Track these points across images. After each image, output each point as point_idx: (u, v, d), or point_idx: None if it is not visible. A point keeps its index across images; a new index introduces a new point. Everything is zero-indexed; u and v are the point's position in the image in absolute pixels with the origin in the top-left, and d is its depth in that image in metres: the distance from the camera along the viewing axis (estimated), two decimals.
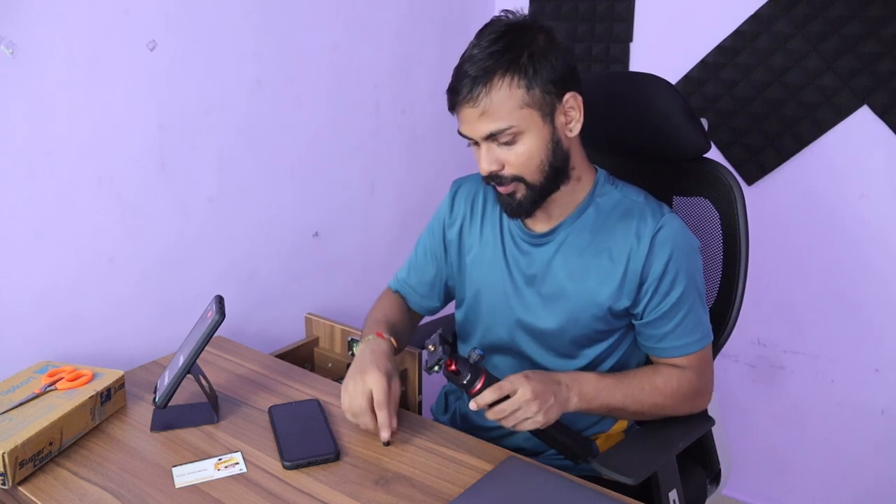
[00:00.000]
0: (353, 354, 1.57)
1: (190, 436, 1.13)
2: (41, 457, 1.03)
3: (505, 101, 1.03)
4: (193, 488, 0.99)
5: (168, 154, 1.40)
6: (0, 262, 1.20)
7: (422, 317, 1.41)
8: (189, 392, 1.23)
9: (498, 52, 1.03)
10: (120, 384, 1.20)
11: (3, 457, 0.96)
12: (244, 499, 0.97)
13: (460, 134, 1.10)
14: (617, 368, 1.18)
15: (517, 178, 1.08)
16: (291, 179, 1.65)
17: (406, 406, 1.40)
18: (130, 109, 1.33)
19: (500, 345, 1.23)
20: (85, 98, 1.26)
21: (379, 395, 1.07)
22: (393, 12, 1.81)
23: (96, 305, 1.34)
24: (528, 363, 1.20)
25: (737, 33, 1.75)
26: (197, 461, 1.06)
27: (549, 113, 1.06)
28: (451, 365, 1.02)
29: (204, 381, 1.18)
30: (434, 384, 1.41)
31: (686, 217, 1.30)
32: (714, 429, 1.28)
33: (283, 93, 1.59)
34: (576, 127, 1.10)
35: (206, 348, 1.16)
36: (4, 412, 1.07)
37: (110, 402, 1.17)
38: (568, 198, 1.15)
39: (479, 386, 1.02)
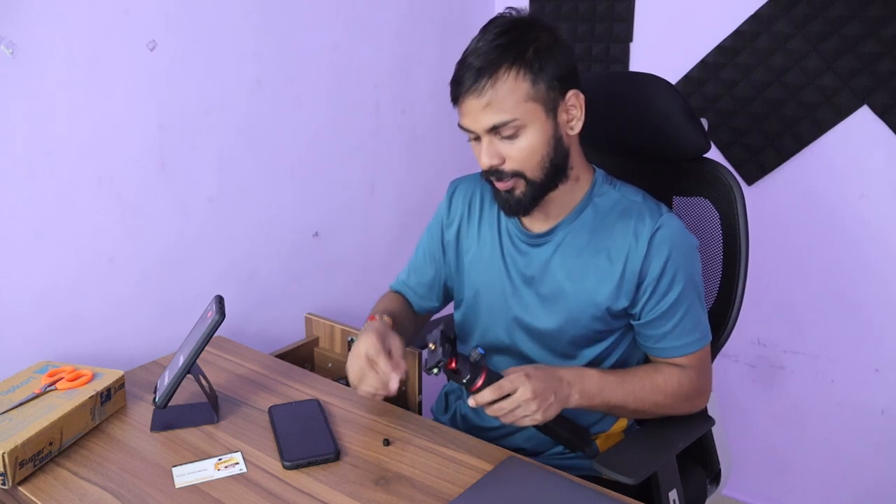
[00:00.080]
0: None
1: (190, 436, 1.13)
2: (41, 457, 1.03)
3: (510, 93, 1.03)
4: (193, 488, 0.99)
5: (168, 154, 1.40)
6: (0, 262, 1.20)
7: (428, 317, 1.41)
8: (189, 392, 1.23)
9: (504, 45, 1.03)
10: (120, 384, 1.20)
11: (3, 457, 0.96)
12: (244, 499, 0.97)
13: (461, 128, 1.09)
14: (616, 368, 1.18)
15: (517, 174, 1.08)
16: (291, 179, 1.65)
17: (406, 406, 1.40)
18: (130, 109, 1.33)
19: (499, 345, 1.23)
20: (85, 98, 1.26)
21: (371, 351, 1.09)
22: (393, 12, 1.81)
23: (96, 305, 1.34)
24: (526, 363, 1.19)
25: (737, 33, 1.75)
26: (197, 461, 1.06)
27: (552, 109, 1.06)
28: (451, 363, 1.02)
29: (204, 381, 1.18)
30: (434, 384, 1.41)
31: (686, 217, 1.30)
32: (714, 429, 1.28)
33: (283, 93, 1.59)
34: (577, 125, 1.10)
35: (206, 348, 1.16)
36: (4, 412, 1.07)
37: (110, 402, 1.17)
38: (566, 198, 1.15)
39: (479, 384, 1.02)
